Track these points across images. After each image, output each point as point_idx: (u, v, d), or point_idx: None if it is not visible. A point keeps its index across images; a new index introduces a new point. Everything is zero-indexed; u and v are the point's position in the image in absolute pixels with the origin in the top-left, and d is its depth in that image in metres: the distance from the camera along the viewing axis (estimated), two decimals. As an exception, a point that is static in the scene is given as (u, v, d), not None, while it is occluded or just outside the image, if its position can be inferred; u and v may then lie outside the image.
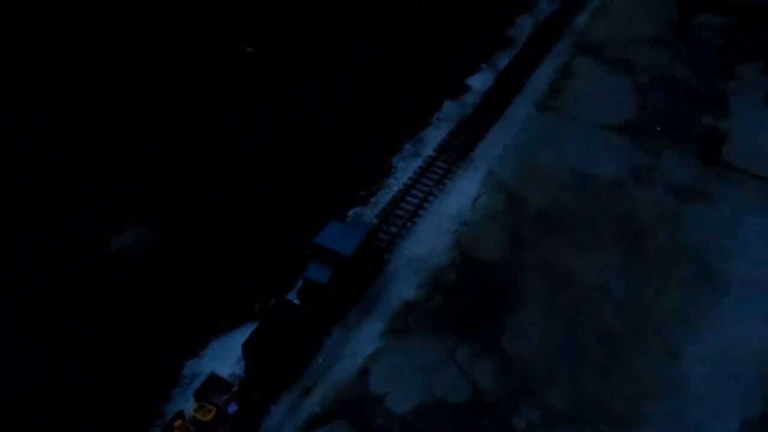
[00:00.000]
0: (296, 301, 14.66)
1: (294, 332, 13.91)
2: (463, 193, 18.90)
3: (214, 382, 13.42)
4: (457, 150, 20.19)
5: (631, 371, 15.20)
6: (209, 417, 12.77)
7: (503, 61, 23.76)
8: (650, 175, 19.76)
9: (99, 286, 16.40)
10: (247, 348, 13.49)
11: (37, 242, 17.30)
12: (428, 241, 17.69)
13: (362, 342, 15.47)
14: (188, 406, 13.44)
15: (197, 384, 13.87)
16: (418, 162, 20.01)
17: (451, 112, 21.60)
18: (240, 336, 14.50)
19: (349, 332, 15.63)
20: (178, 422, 12.81)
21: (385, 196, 18.86)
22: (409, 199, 18.77)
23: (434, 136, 20.89)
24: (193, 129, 20.53)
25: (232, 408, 12.94)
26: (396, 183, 19.39)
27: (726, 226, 18.34)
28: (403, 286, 16.61)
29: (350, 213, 18.36)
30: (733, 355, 15.48)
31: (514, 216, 18.53)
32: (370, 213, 18.62)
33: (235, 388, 13.18)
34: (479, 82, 22.86)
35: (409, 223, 18.23)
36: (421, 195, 18.88)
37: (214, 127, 20.71)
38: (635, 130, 21.38)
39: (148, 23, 24.01)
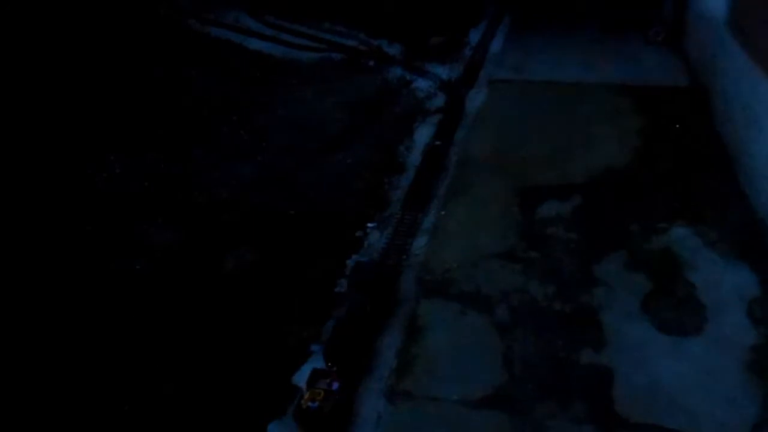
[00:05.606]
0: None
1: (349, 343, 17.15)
2: None
3: (316, 374, 18.17)
4: None
5: None
6: (321, 397, 17.66)
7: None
8: (543, 472, 15.85)
9: None
10: (326, 353, 17.50)
11: None
12: None
13: None
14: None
15: None
16: None
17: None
18: None
19: None
20: (307, 395, 16.50)
21: None
22: None
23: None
24: None
25: (335, 386, 18.45)
26: None
27: None
28: None
29: None
30: None
31: None
32: None
33: (335, 370, 17.99)
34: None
35: None
36: None
37: None
38: (509, 401, 17.64)
39: None
